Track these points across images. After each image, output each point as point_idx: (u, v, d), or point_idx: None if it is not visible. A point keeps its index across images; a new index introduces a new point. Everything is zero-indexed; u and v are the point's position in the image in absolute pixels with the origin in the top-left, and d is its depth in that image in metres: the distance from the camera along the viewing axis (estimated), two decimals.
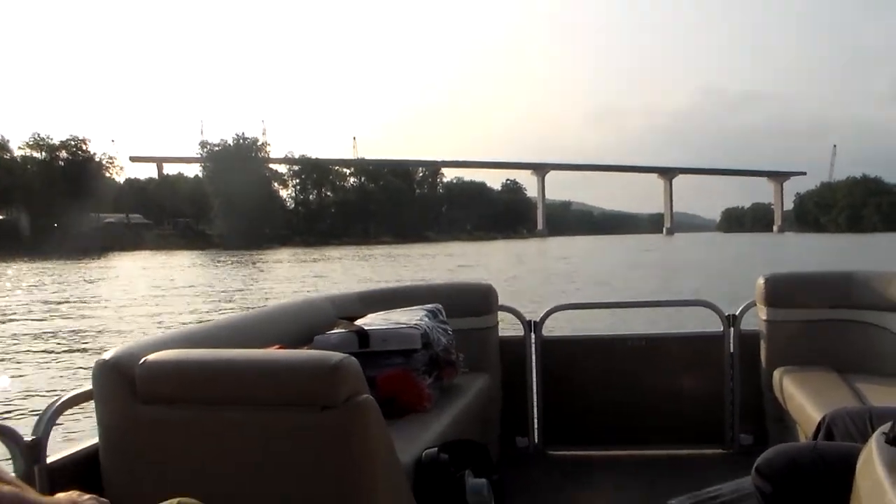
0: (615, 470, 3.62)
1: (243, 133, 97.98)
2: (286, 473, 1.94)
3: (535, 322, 3.86)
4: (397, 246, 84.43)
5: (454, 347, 3.25)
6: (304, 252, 68.52)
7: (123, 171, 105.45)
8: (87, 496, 1.56)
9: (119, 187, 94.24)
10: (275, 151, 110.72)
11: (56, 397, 2.21)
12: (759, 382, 3.65)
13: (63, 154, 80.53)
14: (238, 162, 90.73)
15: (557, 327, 4.29)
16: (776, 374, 3.44)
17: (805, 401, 2.92)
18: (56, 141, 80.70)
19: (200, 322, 3.13)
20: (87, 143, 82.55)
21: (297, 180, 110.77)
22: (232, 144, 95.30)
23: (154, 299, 24.11)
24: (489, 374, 3.58)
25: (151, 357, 2.03)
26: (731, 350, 3.77)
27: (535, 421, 3.90)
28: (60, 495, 1.55)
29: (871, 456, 1.21)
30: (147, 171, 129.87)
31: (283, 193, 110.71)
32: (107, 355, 2.12)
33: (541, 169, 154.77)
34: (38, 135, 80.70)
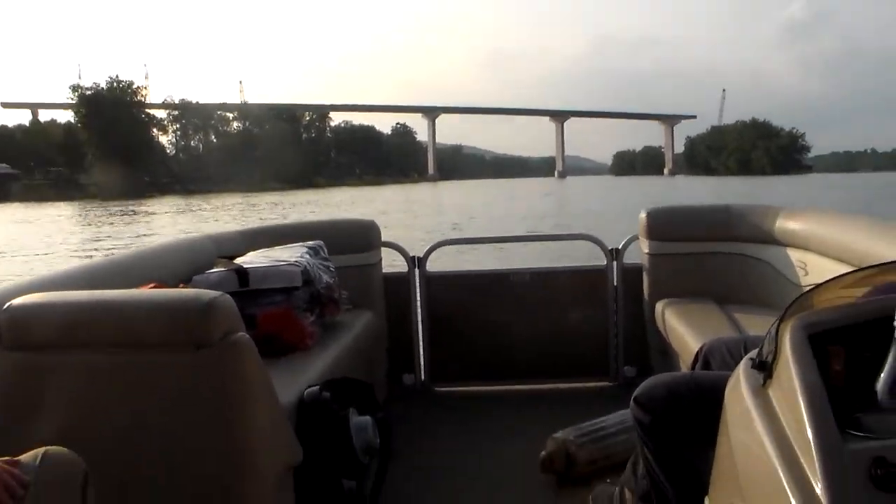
0: (502, 405, 3.70)
1: (117, 76, 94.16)
2: (162, 415, 1.91)
3: (418, 258, 3.90)
4: (285, 192, 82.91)
5: (337, 284, 3.24)
6: (185, 200, 66.75)
7: None
8: None
9: None
10: (158, 96, 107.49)
11: None
12: (643, 315, 3.78)
13: None
14: (113, 106, 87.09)
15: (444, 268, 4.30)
16: (658, 306, 3.56)
17: (685, 332, 3.02)
18: None
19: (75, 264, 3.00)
20: None
21: (178, 125, 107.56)
22: (105, 88, 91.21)
23: (12, 256, 22.36)
24: (373, 312, 3.61)
25: (16, 301, 1.96)
26: (615, 283, 3.88)
27: (422, 358, 3.95)
28: None
29: (738, 381, 1.25)
30: (22, 118, 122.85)
31: (164, 140, 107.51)
32: None
33: (431, 112, 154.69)
34: None
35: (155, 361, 1.89)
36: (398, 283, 3.89)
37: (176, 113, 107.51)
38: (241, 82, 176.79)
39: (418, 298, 3.90)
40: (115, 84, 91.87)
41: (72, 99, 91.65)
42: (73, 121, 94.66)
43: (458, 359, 3.97)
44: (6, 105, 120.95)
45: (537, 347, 3.92)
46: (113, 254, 3.53)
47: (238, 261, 3.12)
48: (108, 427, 1.92)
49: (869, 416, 1.05)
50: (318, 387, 2.49)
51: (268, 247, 3.34)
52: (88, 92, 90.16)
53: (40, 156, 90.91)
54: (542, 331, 3.92)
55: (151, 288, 2.46)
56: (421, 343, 3.96)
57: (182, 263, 3.07)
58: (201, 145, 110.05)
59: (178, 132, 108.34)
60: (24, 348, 1.95)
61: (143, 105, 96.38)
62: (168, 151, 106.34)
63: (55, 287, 2.21)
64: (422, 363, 3.97)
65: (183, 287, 2.79)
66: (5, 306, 1.96)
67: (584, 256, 4.53)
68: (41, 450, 1.51)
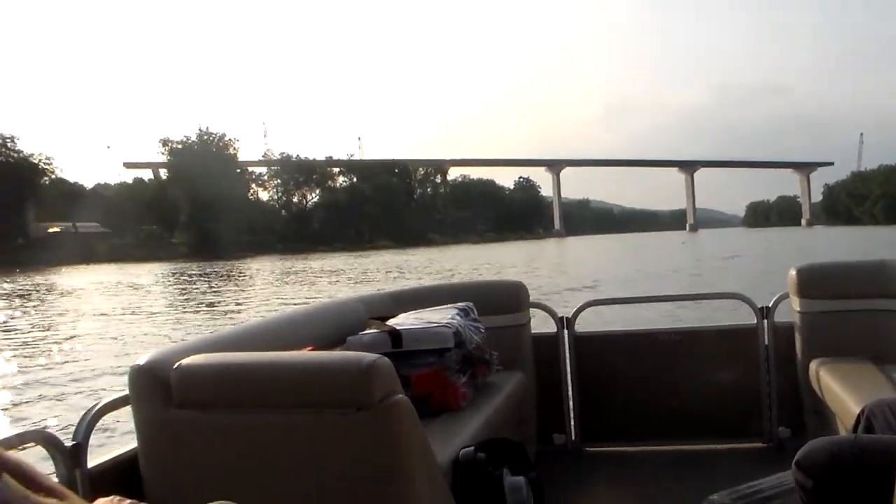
0: (653, 465, 3.91)
1: (207, 128, 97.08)
2: (324, 475, 2.14)
3: (567, 318, 4.15)
4: (398, 251, 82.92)
5: (487, 345, 3.52)
6: (287, 260, 67.48)
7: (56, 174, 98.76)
8: (127, 501, 1.74)
9: (74, 192, 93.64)
10: (271, 152, 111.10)
11: (94, 402, 2.41)
12: (796, 375, 3.91)
13: None
14: (205, 161, 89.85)
15: (589, 326, 4.55)
16: (812, 365, 3.69)
17: (843, 392, 3.14)
18: None
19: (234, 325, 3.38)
20: (16, 141, 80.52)
21: (279, 181, 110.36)
22: (197, 142, 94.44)
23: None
24: (523, 372, 3.86)
25: (185, 361, 2.23)
26: (766, 343, 4.04)
27: (572, 418, 4.18)
28: (101, 500, 1.73)
29: None
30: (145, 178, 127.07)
31: (265, 196, 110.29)
32: (141, 360, 2.31)
33: (555, 165, 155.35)
34: None
35: (316, 422, 2.12)
36: (547, 344, 4.13)
37: (276, 168, 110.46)
38: (359, 138, 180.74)
39: (567, 358, 4.14)
40: (206, 137, 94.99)
41: (162, 153, 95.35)
42: (164, 177, 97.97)
43: (607, 418, 4.18)
44: (129, 165, 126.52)
45: (687, 407, 4.09)
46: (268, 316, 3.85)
47: (390, 322, 3.41)
48: (270, 486, 2.16)
49: None
50: (472, 447, 2.72)
51: (417, 308, 3.64)
52: (178, 146, 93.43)
53: (134, 214, 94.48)
54: (692, 390, 4.09)
55: (310, 350, 2.76)
56: (571, 403, 4.18)
57: (334, 325, 3.39)
58: (305, 202, 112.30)
59: (280, 188, 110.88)
60: (192, 406, 2.21)
61: (236, 159, 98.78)
62: (272, 208, 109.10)
63: (218, 348, 2.50)
64: (572, 423, 4.18)
65: (338, 349, 3.08)
66: (175, 366, 2.22)
67: (732, 314, 4.72)
68: None
